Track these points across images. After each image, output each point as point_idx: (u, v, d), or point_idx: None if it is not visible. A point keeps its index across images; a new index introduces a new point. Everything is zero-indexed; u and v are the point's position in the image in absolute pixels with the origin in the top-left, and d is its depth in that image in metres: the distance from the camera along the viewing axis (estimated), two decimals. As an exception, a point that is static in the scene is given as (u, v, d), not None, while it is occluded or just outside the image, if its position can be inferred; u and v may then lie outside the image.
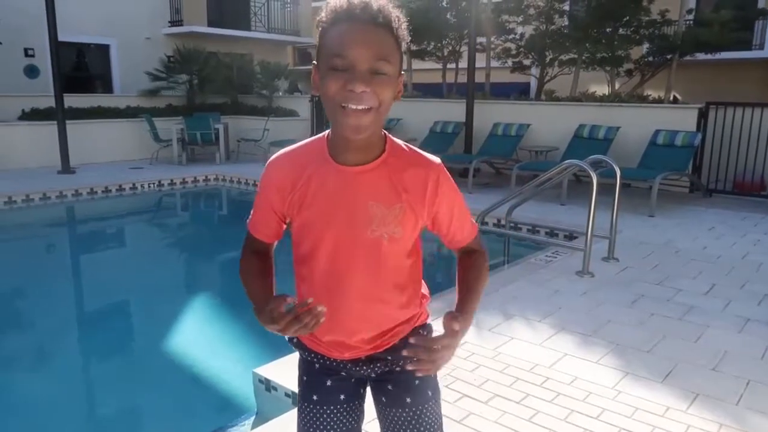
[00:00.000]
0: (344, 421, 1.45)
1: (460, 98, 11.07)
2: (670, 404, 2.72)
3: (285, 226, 1.47)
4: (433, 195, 1.30)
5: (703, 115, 8.47)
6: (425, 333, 1.47)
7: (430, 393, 1.44)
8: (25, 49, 12.79)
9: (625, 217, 6.52)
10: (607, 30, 10.36)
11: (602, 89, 11.47)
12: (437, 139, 10.48)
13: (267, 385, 3.23)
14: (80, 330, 4.96)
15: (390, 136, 1.33)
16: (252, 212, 1.48)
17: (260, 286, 1.55)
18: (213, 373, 3.95)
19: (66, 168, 10.30)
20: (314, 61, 1.27)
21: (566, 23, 11.65)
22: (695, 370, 3.07)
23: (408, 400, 1.41)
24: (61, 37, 10.49)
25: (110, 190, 9.37)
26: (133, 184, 9.67)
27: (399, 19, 1.20)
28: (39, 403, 3.57)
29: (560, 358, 3.19)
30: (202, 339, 4.60)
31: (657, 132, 8.37)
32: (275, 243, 1.56)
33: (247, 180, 10.25)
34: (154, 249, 7.61)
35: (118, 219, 9.15)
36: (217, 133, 12.04)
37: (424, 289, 1.50)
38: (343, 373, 1.45)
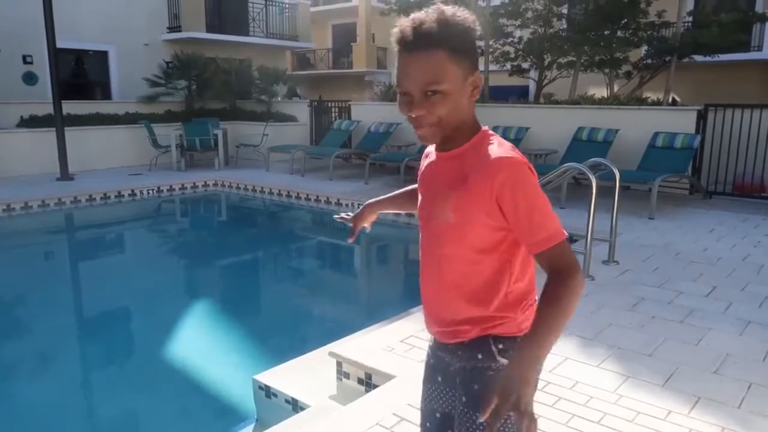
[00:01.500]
0: (440, 401, 1.54)
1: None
2: (672, 408, 2.70)
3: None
4: (492, 189, 1.28)
5: (702, 117, 8.47)
6: (498, 345, 1.40)
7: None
8: (24, 56, 12.79)
9: (624, 219, 6.51)
10: (606, 32, 10.37)
11: (601, 92, 11.49)
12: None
13: (267, 392, 3.22)
14: (80, 337, 4.94)
15: (489, 132, 1.39)
16: None
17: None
18: (213, 379, 3.94)
19: (65, 175, 10.28)
20: None
21: (564, 26, 11.67)
22: (697, 373, 3.05)
23: (464, 399, 1.44)
24: (60, 43, 10.50)
25: (109, 197, 9.36)
26: (132, 191, 9.66)
27: (452, 26, 1.27)
28: (39, 409, 3.55)
29: (561, 363, 3.17)
30: (202, 345, 4.58)
31: (656, 134, 8.37)
32: None
33: (246, 185, 10.24)
34: (153, 255, 7.60)
35: (117, 225, 9.15)
36: (216, 138, 12.04)
37: (521, 310, 1.41)
38: (439, 354, 1.54)
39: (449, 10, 1.29)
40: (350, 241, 2.01)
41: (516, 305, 1.40)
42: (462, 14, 1.29)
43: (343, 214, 2.02)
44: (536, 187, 1.30)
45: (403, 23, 1.29)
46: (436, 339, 1.53)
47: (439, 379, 1.54)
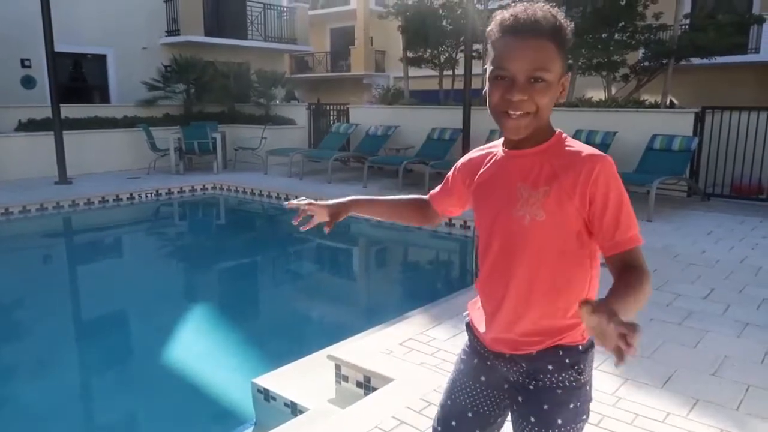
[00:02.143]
0: (477, 401, 1.50)
1: (456, 105, 11.09)
2: (671, 410, 2.71)
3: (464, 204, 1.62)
4: (585, 184, 1.26)
5: (699, 120, 8.49)
6: (566, 359, 1.36)
7: (559, 421, 1.36)
8: (22, 60, 12.79)
9: (623, 222, 6.51)
10: (603, 35, 10.39)
11: (599, 94, 11.49)
12: (434, 145, 10.49)
13: (266, 395, 3.22)
14: (78, 340, 4.94)
15: (564, 133, 1.38)
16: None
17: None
18: (212, 383, 3.93)
19: (63, 178, 10.28)
20: (485, 66, 1.38)
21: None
22: (695, 375, 3.06)
23: (532, 419, 1.39)
24: (58, 47, 10.50)
25: (107, 201, 9.35)
26: (131, 194, 9.66)
27: (562, 24, 1.30)
28: (37, 414, 3.55)
29: (560, 365, 3.17)
30: (201, 349, 4.58)
31: (654, 137, 8.38)
32: (438, 212, 1.73)
33: (244, 189, 10.25)
34: (152, 259, 7.59)
35: (116, 229, 9.14)
36: (214, 141, 12.04)
37: None
38: (488, 363, 1.49)
39: (557, 9, 1.32)
40: (303, 229, 1.94)
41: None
42: (566, 19, 1.33)
43: (298, 201, 1.88)
44: (624, 188, 1.29)
45: (516, 10, 1.29)
46: (491, 348, 1.46)
47: (483, 379, 1.50)
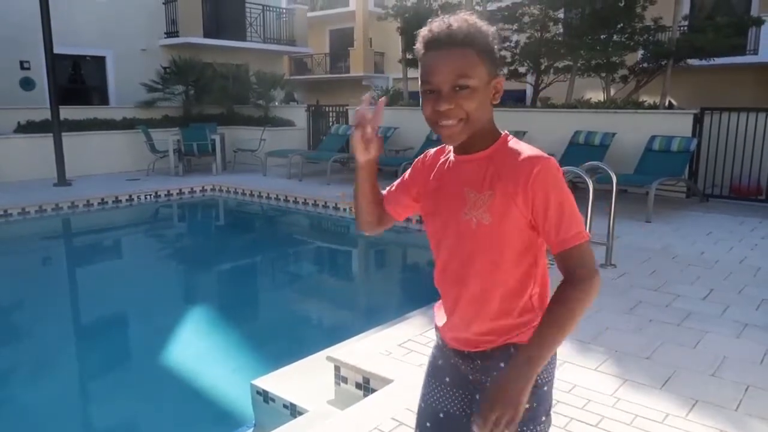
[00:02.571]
0: (446, 401, 1.54)
1: (456, 106, 11.07)
2: (670, 411, 2.71)
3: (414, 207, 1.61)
4: (525, 185, 1.29)
5: (698, 121, 8.49)
6: (516, 353, 1.36)
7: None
8: (21, 62, 12.79)
9: (622, 223, 6.52)
10: (602, 37, 10.40)
11: (598, 96, 11.51)
12: (433, 146, 10.32)
13: (265, 397, 3.22)
14: (77, 342, 4.94)
15: (510, 135, 1.41)
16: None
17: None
18: (211, 384, 3.93)
19: (62, 180, 10.28)
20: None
21: (561, 31, 11.71)
22: (694, 376, 3.06)
23: None
24: (57, 49, 10.51)
25: (107, 202, 9.35)
26: (130, 196, 9.66)
27: (479, 30, 1.33)
28: (36, 415, 3.54)
29: (558, 366, 3.16)
30: (200, 350, 4.58)
31: (653, 138, 8.39)
32: (393, 216, 1.65)
33: (243, 190, 10.24)
34: (151, 261, 7.59)
35: (115, 231, 9.14)
36: (213, 143, 12.04)
37: (537, 313, 1.40)
38: (452, 361, 1.53)
39: (473, 17, 1.36)
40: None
41: (538, 309, 1.41)
42: (485, 23, 1.36)
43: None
44: (566, 187, 1.32)
45: (432, 25, 1.34)
46: (450, 346, 1.50)
47: (447, 379, 1.54)
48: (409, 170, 1.61)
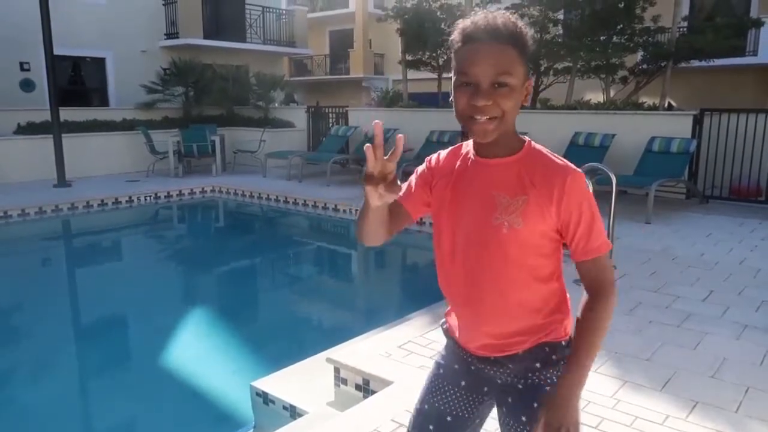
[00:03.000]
0: (457, 405, 1.53)
1: (455, 107, 11.07)
2: (670, 412, 2.70)
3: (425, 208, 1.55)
4: (561, 196, 1.31)
5: (698, 122, 8.49)
6: (552, 355, 1.42)
7: None
8: (21, 63, 12.80)
9: (621, 224, 6.52)
10: (602, 38, 10.41)
11: (597, 97, 11.52)
12: (433, 148, 10.44)
13: (265, 399, 3.21)
14: (77, 344, 4.93)
15: (532, 141, 1.41)
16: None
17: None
18: (210, 386, 3.93)
19: (62, 181, 10.27)
20: (451, 74, 1.37)
21: (560, 32, 11.71)
22: (694, 377, 3.06)
23: (523, 418, 1.42)
24: (57, 50, 10.51)
25: (106, 203, 9.35)
26: (130, 197, 9.65)
27: (522, 30, 1.33)
28: (36, 417, 3.54)
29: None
30: (200, 352, 4.57)
31: (652, 139, 8.39)
32: (412, 215, 1.55)
33: (243, 191, 10.24)
34: (151, 262, 7.59)
35: (115, 232, 9.14)
36: (213, 144, 12.05)
37: (564, 311, 1.46)
38: (472, 367, 1.51)
39: (515, 16, 1.36)
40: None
41: (562, 307, 1.45)
42: (525, 24, 1.37)
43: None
44: (593, 197, 1.36)
45: (476, 18, 1.32)
46: (475, 353, 1.49)
47: (463, 383, 1.53)
48: (422, 167, 1.55)
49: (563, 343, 1.44)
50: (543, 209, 1.33)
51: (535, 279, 1.39)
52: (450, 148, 1.54)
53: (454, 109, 1.35)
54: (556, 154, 1.38)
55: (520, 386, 1.44)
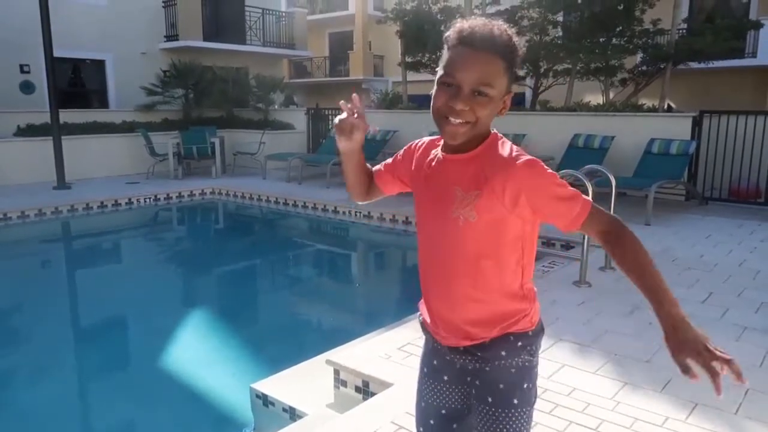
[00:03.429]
0: (447, 398, 1.58)
1: (455, 109, 11.07)
2: (669, 414, 2.71)
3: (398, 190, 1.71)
4: (513, 185, 1.33)
5: (697, 124, 8.50)
6: (518, 342, 1.45)
7: (515, 401, 1.46)
8: (21, 65, 12.80)
9: (621, 226, 6.52)
10: (601, 40, 10.43)
11: (597, 99, 11.53)
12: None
13: (264, 400, 3.21)
14: (76, 346, 4.93)
15: (498, 135, 1.44)
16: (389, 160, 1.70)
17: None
18: (210, 388, 3.93)
19: (62, 183, 10.28)
20: (437, 68, 1.42)
21: (560, 34, 11.73)
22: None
23: (489, 399, 1.47)
24: (57, 52, 10.52)
25: (106, 205, 9.35)
26: (129, 199, 9.66)
27: (515, 45, 1.36)
28: (35, 419, 3.54)
29: (558, 369, 3.17)
30: (199, 354, 4.57)
31: (652, 140, 8.40)
32: (383, 190, 1.75)
33: (243, 193, 10.25)
34: (150, 264, 7.59)
35: (114, 234, 9.14)
36: (213, 146, 12.05)
37: (530, 301, 1.48)
38: (447, 358, 1.56)
39: (513, 30, 1.38)
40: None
41: (530, 297, 1.48)
42: (520, 41, 1.39)
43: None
44: (553, 175, 1.36)
45: (474, 22, 1.35)
46: (444, 343, 1.53)
47: (446, 378, 1.57)
48: (400, 153, 1.65)
49: (529, 333, 1.47)
50: (495, 201, 1.35)
51: (495, 269, 1.42)
52: (428, 138, 1.59)
53: (431, 105, 1.39)
54: (516, 147, 1.40)
55: (486, 368, 1.47)
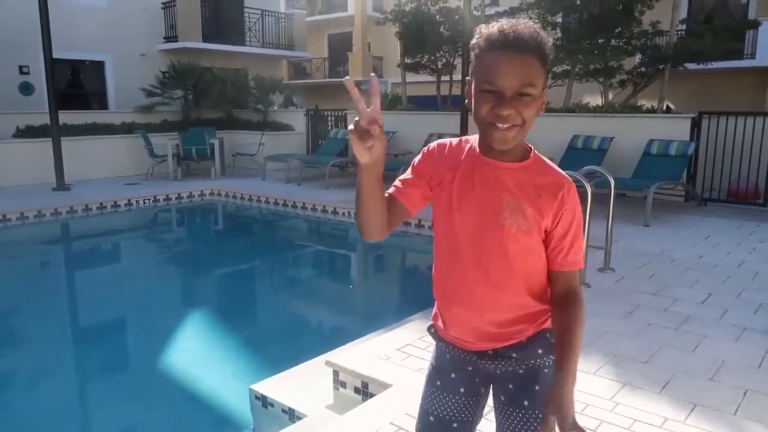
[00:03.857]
0: (460, 411, 1.58)
1: (454, 110, 11.11)
2: (668, 415, 2.71)
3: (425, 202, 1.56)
4: (561, 205, 1.41)
5: (696, 125, 8.51)
6: (552, 339, 1.49)
7: None
8: (20, 67, 12.81)
9: (620, 227, 6.52)
10: (600, 41, 10.44)
11: (596, 100, 11.54)
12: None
13: (263, 402, 3.21)
14: (76, 347, 4.93)
15: (534, 149, 1.47)
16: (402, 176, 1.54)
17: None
18: (209, 389, 3.93)
19: (61, 185, 10.27)
20: (468, 77, 1.41)
21: (559, 35, 11.75)
22: (693, 380, 3.06)
23: (525, 402, 1.49)
24: (56, 53, 10.52)
25: (105, 207, 9.35)
26: (129, 200, 9.66)
27: (545, 41, 1.35)
28: (34, 421, 3.54)
29: (558, 370, 3.17)
30: (199, 355, 4.57)
31: (651, 142, 8.41)
32: (409, 209, 1.53)
33: (242, 194, 10.25)
34: (150, 265, 7.59)
35: (114, 235, 9.13)
36: (212, 147, 12.05)
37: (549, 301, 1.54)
38: (470, 368, 1.56)
39: (538, 26, 1.38)
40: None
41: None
42: (547, 35, 1.40)
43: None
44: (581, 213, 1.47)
45: (501, 26, 1.33)
46: (470, 348, 1.53)
47: (462, 390, 1.57)
48: (419, 159, 1.52)
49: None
50: (544, 215, 1.41)
51: (533, 272, 1.47)
52: (450, 140, 1.53)
53: (473, 113, 1.37)
54: (558, 168, 1.47)
55: (521, 371, 1.50)
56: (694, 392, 2.92)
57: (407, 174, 1.52)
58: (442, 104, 12.94)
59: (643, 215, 7.12)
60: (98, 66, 14.36)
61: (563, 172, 1.46)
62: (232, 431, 3.37)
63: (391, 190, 1.50)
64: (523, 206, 1.40)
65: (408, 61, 13.05)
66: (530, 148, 1.46)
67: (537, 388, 1.47)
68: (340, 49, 26.71)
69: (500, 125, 1.33)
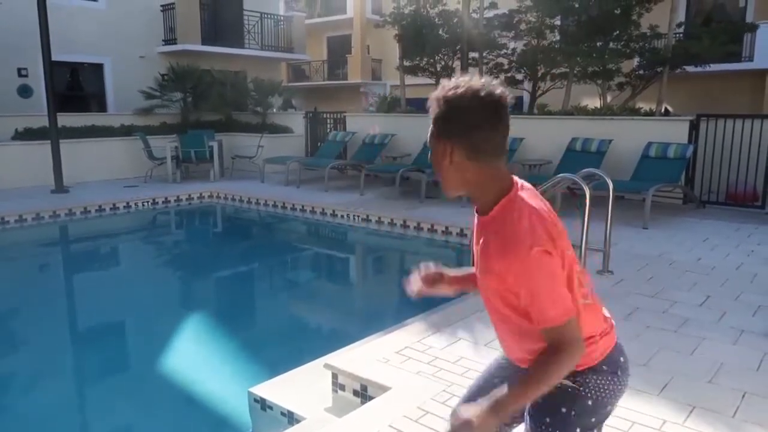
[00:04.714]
0: (502, 375, 1.72)
1: (453, 113, 11.08)
2: (667, 417, 2.71)
3: None
4: (511, 273, 1.39)
5: (694, 127, 8.53)
6: (567, 387, 1.52)
7: (547, 419, 1.53)
8: (19, 69, 12.81)
9: (619, 229, 6.53)
10: (598, 44, 10.45)
11: (594, 103, 11.56)
12: (429, 154, 10.48)
13: (262, 404, 3.21)
14: (75, 350, 4.93)
15: (514, 196, 1.45)
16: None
17: None
18: (208, 392, 3.92)
19: (59, 187, 10.27)
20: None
21: (557, 38, 11.77)
22: (691, 382, 3.06)
23: (548, 419, 1.55)
24: (55, 56, 10.53)
25: (104, 209, 9.34)
26: (128, 203, 9.65)
27: (442, 108, 1.50)
28: (34, 423, 3.53)
29: (556, 373, 3.17)
30: (197, 358, 4.57)
31: (649, 144, 8.42)
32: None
33: (241, 197, 10.25)
34: (148, 268, 7.59)
35: (113, 238, 9.13)
36: (211, 150, 12.06)
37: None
38: (512, 370, 1.70)
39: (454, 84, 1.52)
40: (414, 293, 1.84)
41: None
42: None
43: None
44: (543, 273, 1.36)
45: (503, 90, 1.48)
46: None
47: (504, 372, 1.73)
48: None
49: (573, 385, 1.52)
50: (501, 276, 1.42)
51: (517, 324, 1.49)
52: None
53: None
54: (524, 219, 1.39)
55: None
56: (692, 394, 2.92)
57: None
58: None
59: (641, 218, 7.13)
60: (97, 68, 14.36)
61: (523, 237, 1.36)
62: (231, 434, 3.37)
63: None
64: (490, 266, 1.45)
65: (407, 63, 13.06)
66: (505, 191, 1.45)
67: (539, 400, 1.49)
68: (339, 51, 26.75)
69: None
